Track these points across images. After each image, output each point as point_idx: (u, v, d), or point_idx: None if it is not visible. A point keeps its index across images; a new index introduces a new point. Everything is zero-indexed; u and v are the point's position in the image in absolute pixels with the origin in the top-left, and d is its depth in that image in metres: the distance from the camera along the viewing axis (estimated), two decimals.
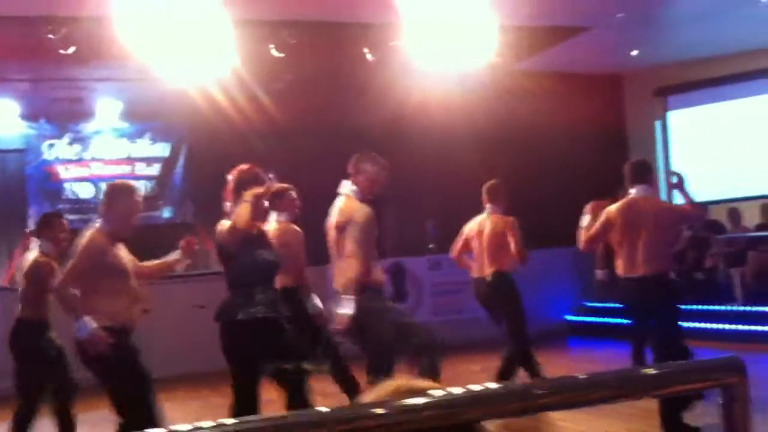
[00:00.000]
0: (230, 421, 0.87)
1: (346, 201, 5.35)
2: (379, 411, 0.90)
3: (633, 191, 5.56)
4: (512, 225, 6.79)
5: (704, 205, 11.00)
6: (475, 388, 0.93)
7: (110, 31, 7.45)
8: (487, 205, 6.99)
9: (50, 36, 7.79)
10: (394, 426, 0.89)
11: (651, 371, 1.04)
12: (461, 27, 8.07)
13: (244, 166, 4.83)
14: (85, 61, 8.52)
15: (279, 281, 4.94)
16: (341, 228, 5.16)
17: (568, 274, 10.81)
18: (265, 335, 4.45)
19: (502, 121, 10.97)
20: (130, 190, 4.81)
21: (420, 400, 0.91)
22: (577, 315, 11.23)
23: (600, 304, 10.68)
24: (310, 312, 6.01)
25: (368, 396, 1.02)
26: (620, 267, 5.53)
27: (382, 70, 9.47)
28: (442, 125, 10.77)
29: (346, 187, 5.44)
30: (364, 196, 5.35)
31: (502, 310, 6.80)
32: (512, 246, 6.68)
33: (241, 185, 4.61)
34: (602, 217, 5.63)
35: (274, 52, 8.47)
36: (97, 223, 4.67)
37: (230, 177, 4.81)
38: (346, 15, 8.52)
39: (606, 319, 10.40)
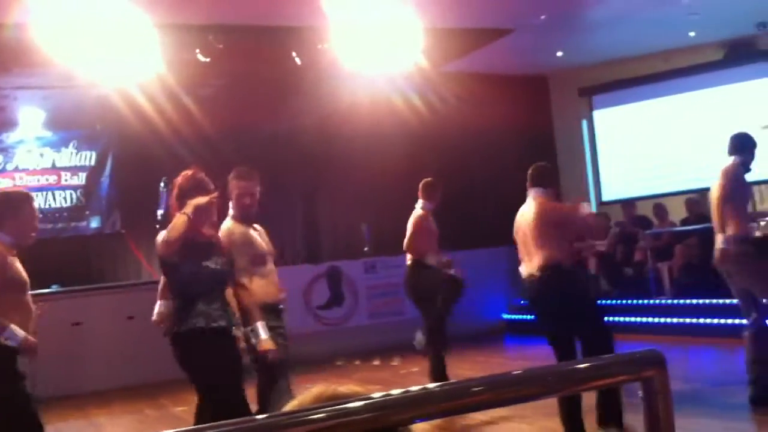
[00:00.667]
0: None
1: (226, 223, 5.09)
2: (315, 416, 0.88)
3: (530, 194, 5.60)
4: (417, 220, 7.07)
5: (630, 202, 11.24)
6: (414, 388, 0.93)
7: (31, 38, 7.25)
8: (420, 201, 7.24)
9: None
10: (330, 430, 0.88)
11: (571, 366, 1.05)
12: (388, 30, 8.09)
13: (187, 172, 4.67)
14: (5, 68, 8.27)
15: None
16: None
17: (503, 274, 10.94)
18: (208, 346, 4.37)
19: (430, 122, 11.05)
20: (27, 198, 4.49)
21: (355, 403, 0.90)
22: (513, 313, 11.37)
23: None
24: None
25: (292, 404, 1.01)
26: (522, 270, 5.56)
27: (310, 74, 9.44)
28: (371, 127, 10.80)
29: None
30: (240, 215, 5.11)
31: (419, 302, 7.09)
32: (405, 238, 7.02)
33: (184, 193, 4.50)
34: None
35: (200, 57, 8.36)
36: None
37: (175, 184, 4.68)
38: (274, 18, 8.46)
39: None
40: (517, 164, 11.62)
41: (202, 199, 4.41)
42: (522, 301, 11.18)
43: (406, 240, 7.02)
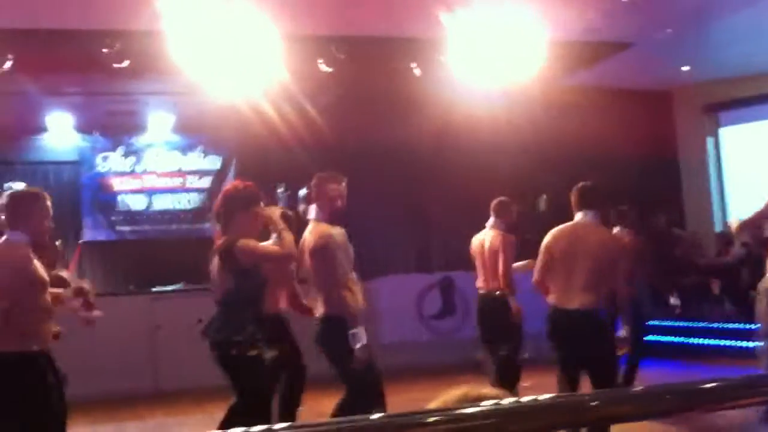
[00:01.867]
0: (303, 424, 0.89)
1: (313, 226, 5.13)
2: (434, 418, 0.91)
3: (578, 217, 5.32)
4: (508, 244, 6.73)
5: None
6: (541, 397, 0.94)
7: (163, 46, 7.60)
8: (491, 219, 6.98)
9: (105, 50, 7.97)
10: None
11: (709, 384, 1.01)
12: (509, 41, 8.06)
13: (240, 184, 4.89)
14: (138, 74, 8.70)
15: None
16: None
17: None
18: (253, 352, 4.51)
19: (549, 136, 10.91)
20: (39, 196, 4.53)
21: (477, 408, 0.92)
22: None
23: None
24: None
25: (436, 402, 1.03)
26: (552, 298, 5.23)
27: (428, 85, 9.50)
28: (488, 140, 10.75)
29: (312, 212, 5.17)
30: (331, 217, 5.13)
31: (496, 331, 6.77)
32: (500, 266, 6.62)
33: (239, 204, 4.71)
34: (542, 247, 5.34)
35: (323, 67, 8.56)
36: (11, 235, 4.31)
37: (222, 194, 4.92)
38: (394, 30, 8.57)
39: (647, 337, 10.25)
40: (638, 181, 11.38)
41: (272, 211, 4.56)
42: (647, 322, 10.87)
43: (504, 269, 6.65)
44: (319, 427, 0.90)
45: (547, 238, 5.35)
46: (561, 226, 5.40)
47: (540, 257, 5.33)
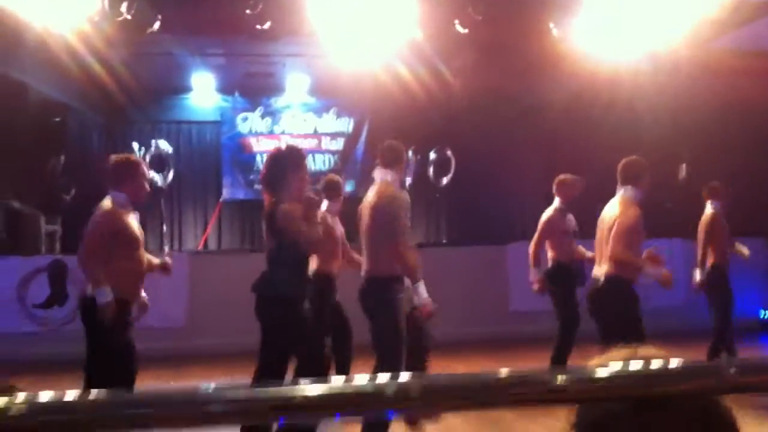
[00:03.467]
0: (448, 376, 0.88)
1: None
2: (563, 377, 0.88)
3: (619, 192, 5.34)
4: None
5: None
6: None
7: (302, 8, 7.73)
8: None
9: (247, 11, 8.16)
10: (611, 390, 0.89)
11: None
12: (653, 3, 7.73)
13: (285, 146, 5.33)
14: (277, 37, 8.86)
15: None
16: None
17: (762, 267, 10.12)
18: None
19: (696, 101, 10.39)
20: (140, 164, 4.95)
21: (606, 372, 0.89)
22: None
23: None
24: None
25: (599, 359, 1.01)
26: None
27: (567, 46, 9.23)
28: (629, 104, 10.36)
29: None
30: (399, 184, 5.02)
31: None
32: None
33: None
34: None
35: (459, 28, 8.46)
36: (115, 195, 4.73)
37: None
38: None
39: None
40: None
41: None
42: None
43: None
44: (452, 379, 0.89)
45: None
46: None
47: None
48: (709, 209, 6.87)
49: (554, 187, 6.73)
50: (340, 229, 6.36)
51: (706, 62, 9.98)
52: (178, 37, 9.57)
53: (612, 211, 5.33)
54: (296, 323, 4.62)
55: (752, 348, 9.39)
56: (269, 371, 4.59)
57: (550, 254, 6.67)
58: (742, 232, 10.02)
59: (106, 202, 4.69)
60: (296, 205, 4.67)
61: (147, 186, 4.91)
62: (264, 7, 8.12)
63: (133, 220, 4.78)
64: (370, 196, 4.85)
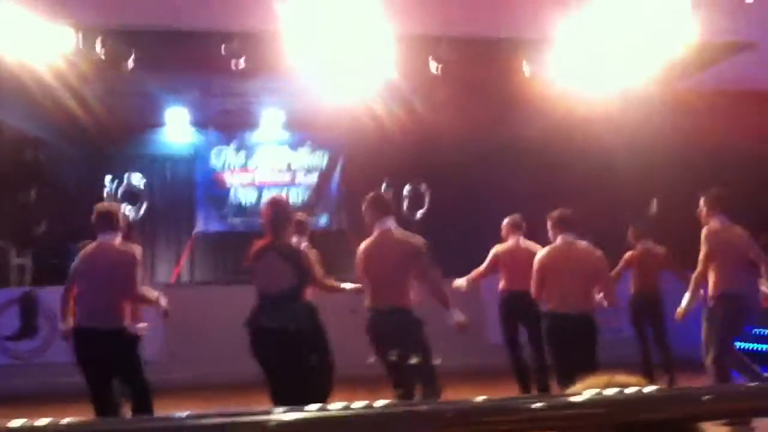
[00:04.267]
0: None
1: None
2: (540, 404, 0.92)
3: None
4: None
5: None
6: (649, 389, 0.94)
7: (278, 46, 7.79)
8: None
9: (223, 50, 8.21)
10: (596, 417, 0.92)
11: None
12: (624, 44, 7.89)
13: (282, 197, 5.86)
14: (253, 73, 8.92)
15: None
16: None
17: None
18: None
19: (665, 139, 10.57)
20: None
21: (583, 397, 0.93)
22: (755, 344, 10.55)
23: None
24: None
25: (580, 386, 1.05)
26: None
27: (538, 86, 9.38)
28: (601, 141, 10.52)
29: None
30: None
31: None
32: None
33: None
34: None
35: (433, 66, 8.58)
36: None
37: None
38: (505, 30, 8.50)
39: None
40: (759, 188, 10.89)
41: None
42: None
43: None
44: (427, 407, 0.92)
45: None
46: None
47: None
48: None
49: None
50: None
51: (674, 101, 10.19)
52: (152, 74, 9.60)
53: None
54: (321, 349, 5.49)
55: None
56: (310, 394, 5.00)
57: None
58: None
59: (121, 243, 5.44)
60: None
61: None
62: (239, 44, 8.19)
63: None
64: (398, 238, 5.57)
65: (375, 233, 5.60)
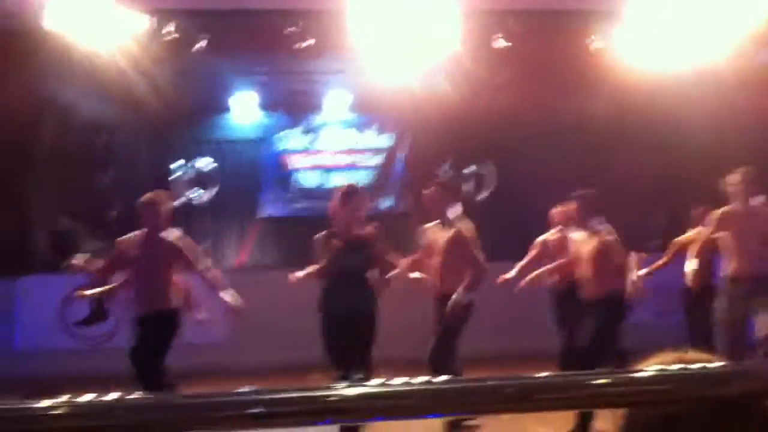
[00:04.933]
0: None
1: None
2: (602, 380, 0.89)
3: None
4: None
5: None
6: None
7: (343, 25, 7.80)
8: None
9: (289, 29, 8.26)
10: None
11: None
12: (697, 16, 7.66)
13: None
14: (319, 54, 8.95)
15: None
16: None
17: None
18: None
19: (741, 116, 10.24)
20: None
21: (647, 373, 0.89)
22: None
23: None
24: None
25: (650, 361, 1.02)
26: None
27: (607, 60, 9.18)
28: (672, 117, 10.24)
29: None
30: None
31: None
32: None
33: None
34: None
35: (500, 42, 8.47)
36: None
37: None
38: (572, 3, 8.34)
39: None
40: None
41: None
42: None
43: None
44: (487, 382, 0.90)
45: None
46: None
47: None
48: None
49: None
50: None
51: (750, 76, 9.84)
52: (222, 56, 9.70)
53: None
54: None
55: None
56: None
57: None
58: None
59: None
60: None
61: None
62: (305, 25, 8.22)
63: None
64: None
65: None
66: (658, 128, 10.54)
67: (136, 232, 5.86)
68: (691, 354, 1.03)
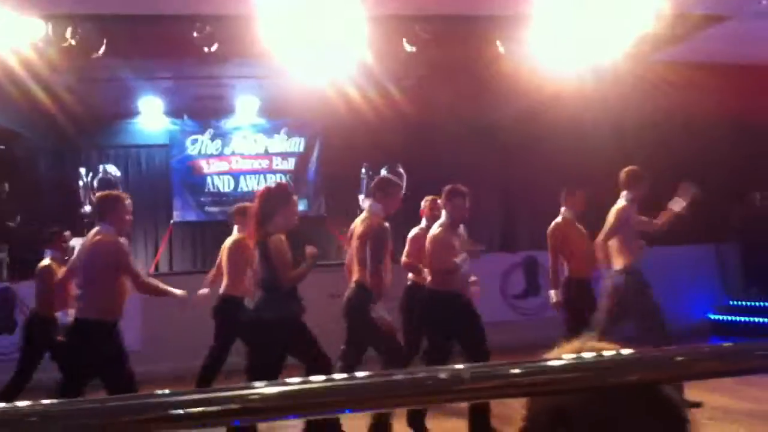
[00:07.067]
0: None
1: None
2: (517, 370, 0.91)
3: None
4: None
5: None
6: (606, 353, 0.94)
7: (251, 29, 7.74)
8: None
9: (195, 34, 8.13)
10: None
11: None
12: (597, 17, 7.90)
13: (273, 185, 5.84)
14: (226, 58, 8.85)
15: None
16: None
17: (710, 271, 10.37)
18: None
19: (640, 114, 10.63)
20: (120, 198, 5.45)
21: (560, 362, 0.92)
22: (721, 314, 10.76)
23: (746, 303, 10.23)
24: None
25: (552, 353, 1.05)
26: None
27: (514, 63, 9.38)
28: (576, 118, 10.56)
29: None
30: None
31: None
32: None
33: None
34: None
35: (407, 47, 8.55)
36: (101, 227, 5.29)
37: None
38: (480, 8, 8.49)
39: (754, 318, 9.96)
40: (731, 158, 11.00)
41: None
42: (732, 302, 10.58)
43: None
44: (393, 377, 0.92)
45: None
46: None
47: None
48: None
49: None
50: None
51: (648, 75, 10.23)
52: (124, 61, 9.49)
53: None
54: (298, 335, 5.21)
55: None
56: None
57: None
58: (691, 239, 10.27)
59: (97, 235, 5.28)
60: (283, 238, 5.23)
61: (129, 217, 5.42)
62: (212, 29, 8.11)
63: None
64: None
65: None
66: (563, 128, 10.84)
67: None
68: (595, 342, 1.07)
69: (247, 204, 7.16)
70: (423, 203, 7.09)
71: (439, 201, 6.38)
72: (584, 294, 6.69)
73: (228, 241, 7.14)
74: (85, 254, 5.26)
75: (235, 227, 7.14)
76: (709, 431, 5.34)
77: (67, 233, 7.33)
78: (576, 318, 6.49)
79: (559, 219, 7.00)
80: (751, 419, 5.85)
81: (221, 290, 6.97)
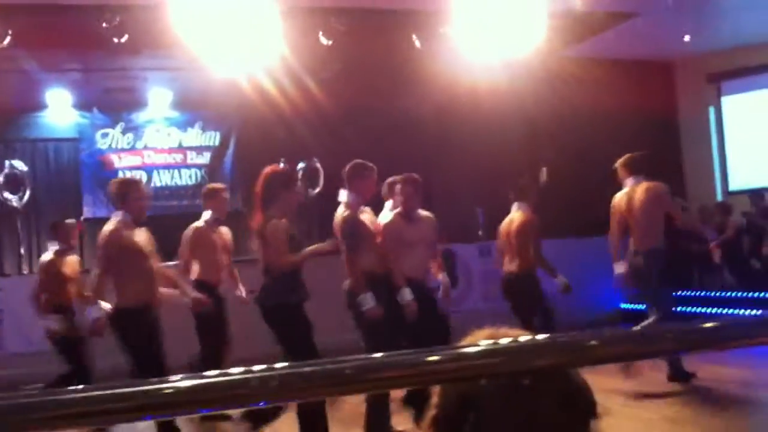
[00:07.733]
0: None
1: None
2: (436, 357, 0.92)
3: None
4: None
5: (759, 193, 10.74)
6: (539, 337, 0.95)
7: (163, 20, 7.57)
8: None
9: (104, 25, 7.92)
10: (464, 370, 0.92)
11: (710, 325, 1.00)
12: (510, 13, 8.02)
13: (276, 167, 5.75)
14: (137, 50, 8.66)
15: None
16: None
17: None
18: None
19: (551, 108, 10.86)
20: (138, 183, 5.60)
21: (477, 348, 0.93)
22: (632, 303, 11.07)
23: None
24: None
25: (464, 341, 1.05)
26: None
27: (429, 58, 9.46)
28: (490, 112, 10.72)
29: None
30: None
31: (522, 304, 7.07)
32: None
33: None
34: None
35: (323, 40, 8.51)
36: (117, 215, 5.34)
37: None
38: (396, 2, 8.52)
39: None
40: (634, 150, 11.32)
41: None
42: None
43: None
44: (325, 365, 0.91)
45: None
46: None
47: None
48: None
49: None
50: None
51: (557, 70, 10.46)
52: (30, 53, 9.17)
53: None
54: (300, 323, 5.11)
55: None
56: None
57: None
58: (604, 231, 10.53)
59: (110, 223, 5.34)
60: (284, 221, 5.11)
61: (146, 203, 5.49)
62: (121, 20, 7.91)
63: (139, 235, 5.34)
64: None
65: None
66: (478, 122, 10.99)
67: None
68: (505, 329, 1.08)
69: (216, 186, 7.02)
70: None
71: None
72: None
73: (188, 229, 6.92)
74: (101, 245, 5.33)
75: (205, 212, 6.91)
76: (623, 416, 5.51)
77: (71, 221, 7.33)
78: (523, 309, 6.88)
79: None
80: (661, 403, 6.05)
81: (194, 276, 6.71)
